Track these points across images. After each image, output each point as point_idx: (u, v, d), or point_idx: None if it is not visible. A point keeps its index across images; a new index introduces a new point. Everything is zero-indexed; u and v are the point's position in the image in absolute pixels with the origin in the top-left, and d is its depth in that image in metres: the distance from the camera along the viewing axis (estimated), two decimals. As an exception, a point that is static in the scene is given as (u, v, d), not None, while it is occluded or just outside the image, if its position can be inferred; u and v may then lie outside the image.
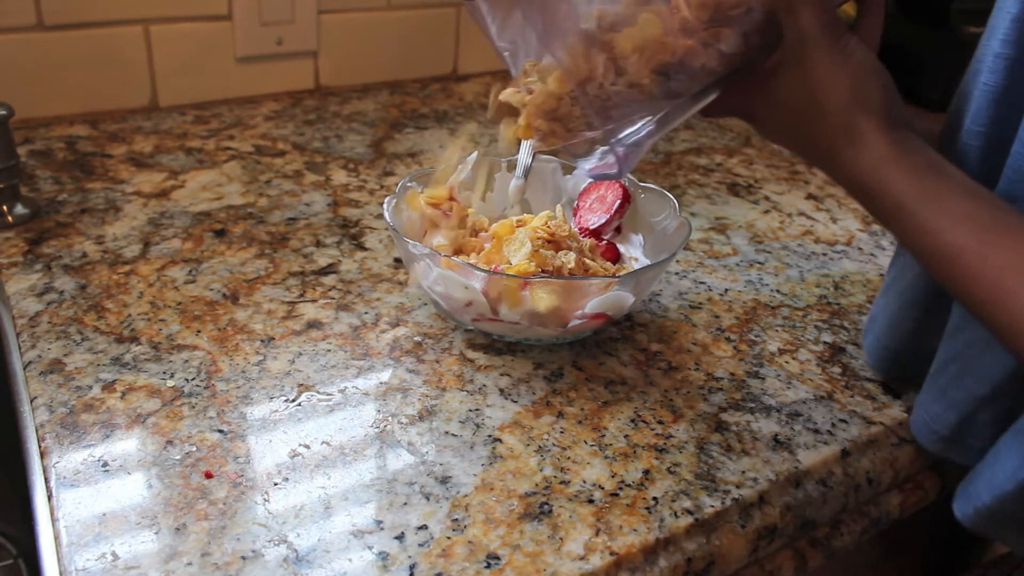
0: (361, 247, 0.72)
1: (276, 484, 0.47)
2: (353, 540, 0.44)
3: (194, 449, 0.49)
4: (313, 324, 0.61)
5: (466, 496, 0.47)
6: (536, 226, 0.60)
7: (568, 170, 0.71)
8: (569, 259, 0.58)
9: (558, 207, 0.66)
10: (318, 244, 0.72)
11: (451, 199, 0.63)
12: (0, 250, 0.67)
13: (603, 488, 0.49)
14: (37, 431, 0.49)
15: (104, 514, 0.44)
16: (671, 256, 0.58)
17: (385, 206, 0.60)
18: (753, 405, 0.57)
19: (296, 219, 0.76)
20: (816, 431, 0.56)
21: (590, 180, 0.69)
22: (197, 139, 0.91)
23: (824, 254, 0.79)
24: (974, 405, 0.50)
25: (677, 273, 0.73)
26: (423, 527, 0.45)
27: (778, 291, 0.72)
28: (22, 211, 0.71)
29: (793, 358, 0.63)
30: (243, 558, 0.43)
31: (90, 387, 0.53)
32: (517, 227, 0.60)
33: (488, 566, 0.43)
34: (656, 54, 0.44)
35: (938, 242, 0.41)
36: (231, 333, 0.59)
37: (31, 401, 0.52)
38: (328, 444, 0.50)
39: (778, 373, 0.61)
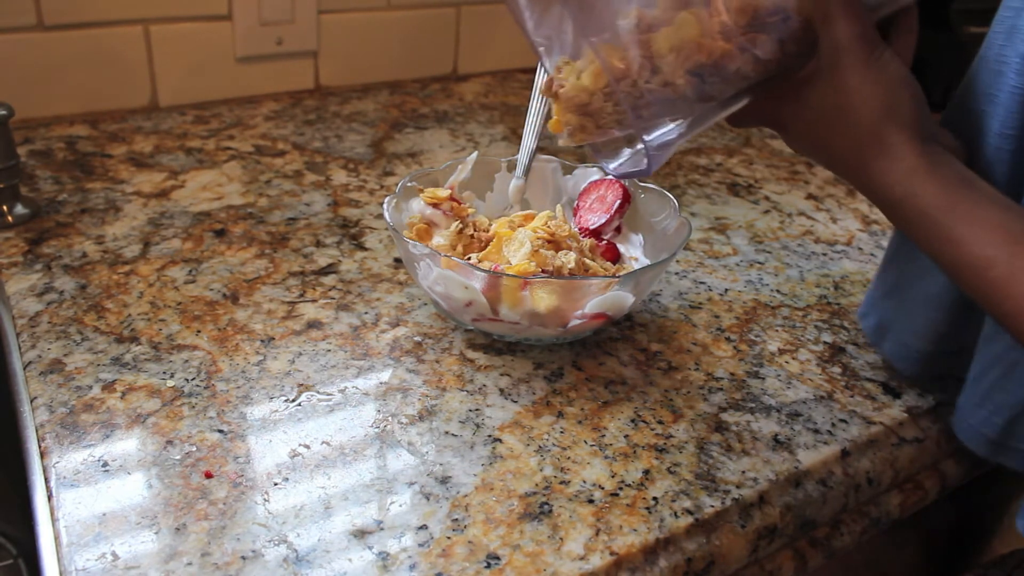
0: (361, 247, 0.72)
1: (276, 484, 0.47)
2: (353, 540, 0.44)
3: (194, 449, 0.49)
4: (313, 324, 0.61)
5: (466, 496, 0.47)
6: (536, 226, 0.60)
7: (568, 170, 0.71)
8: (569, 259, 0.58)
9: (558, 207, 0.66)
10: (318, 244, 0.72)
11: (451, 199, 0.63)
12: (0, 250, 0.67)
13: (603, 488, 0.49)
14: (37, 431, 0.49)
15: (104, 514, 0.44)
16: (671, 256, 0.58)
17: (385, 206, 0.60)
18: (753, 405, 0.57)
19: (296, 219, 0.76)
20: (816, 431, 0.56)
21: (590, 180, 0.69)
22: (197, 139, 0.91)
23: (824, 254, 0.79)
24: (1020, 408, 0.50)
25: (677, 273, 0.73)
26: (423, 527, 0.45)
27: (778, 291, 0.72)
28: (22, 211, 0.71)
29: (793, 358, 0.63)
30: (243, 558, 0.43)
31: (90, 387, 0.53)
32: (526, 222, 0.61)
33: (488, 566, 0.43)
34: (692, 55, 0.44)
35: (967, 254, 0.41)
36: (231, 333, 0.59)
37: (31, 401, 0.52)
38: (328, 444, 0.50)
39: (778, 373, 0.61)
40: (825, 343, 0.65)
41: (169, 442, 0.49)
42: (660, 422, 0.55)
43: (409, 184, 0.64)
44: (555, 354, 0.60)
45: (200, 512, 0.45)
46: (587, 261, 0.60)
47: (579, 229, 0.67)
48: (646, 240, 0.67)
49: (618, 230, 0.68)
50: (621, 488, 0.49)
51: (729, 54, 0.44)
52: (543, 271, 0.56)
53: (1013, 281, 0.40)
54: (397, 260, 0.70)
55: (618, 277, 0.56)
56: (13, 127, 0.72)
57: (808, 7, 0.43)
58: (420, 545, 0.44)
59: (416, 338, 0.61)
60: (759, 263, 0.76)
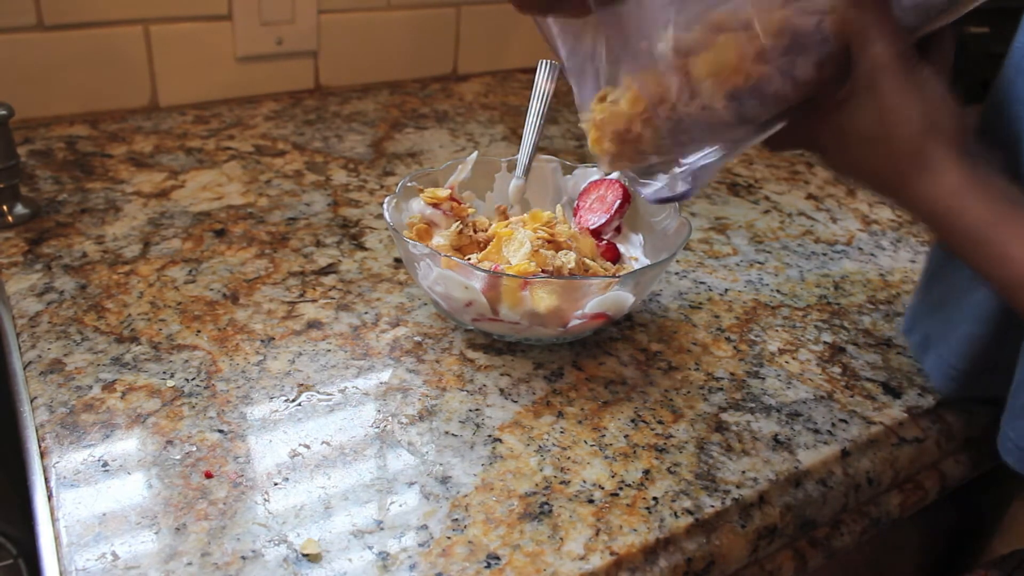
0: (361, 247, 0.72)
1: (276, 484, 0.47)
2: (353, 540, 0.44)
3: (194, 449, 0.49)
4: (313, 324, 0.61)
5: (466, 496, 0.47)
6: (536, 226, 0.60)
7: (568, 170, 0.71)
8: (569, 259, 0.58)
9: (558, 207, 0.66)
10: (318, 244, 0.72)
11: (451, 199, 0.63)
12: (0, 250, 0.67)
13: (603, 488, 0.49)
14: (37, 431, 0.49)
15: (104, 514, 0.44)
16: (671, 256, 0.58)
17: (385, 206, 0.61)
18: (753, 405, 0.57)
19: (296, 219, 0.76)
20: (816, 431, 0.56)
21: (590, 180, 0.69)
22: (197, 139, 0.91)
23: (824, 254, 0.79)
24: None
25: (677, 273, 0.73)
26: (423, 527, 0.45)
27: (778, 291, 0.72)
28: (22, 211, 0.71)
29: (793, 358, 0.63)
30: (243, 558, 0.43)
31: (90, 387, 0.53)
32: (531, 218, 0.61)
33: (488, 566, 0.43)
34: (730, 78, 0.44)
35: (1015, 270, 0.40)
36: (231, 333, 0.59)
37: (31, 401, 0.52)
38: (328, 444, 0.50)
39: (778, 373, 0.61)
40: (825, 343, 0.65)
41: (169, 442, 0.49)
42: (660, 422, 0.55)
43: (409, 184, 0.64)
44: (555, 354, 0.60)
45: (200, 512, 0.45)
46: (587, 261, 0.60)
47: (579, 229, 0.67)
48: (646, 240, 0.67)
49: (618, 230, 0.68)
50: (621, 488, 0.49)
51: (767, 77, 0.44)
52: (543, 271, 0.56)
53: None
54: (397, 260, 0.70)
55: (618, 277, 0.56)
56: (13, 127, 0.72)
57: (846, 28, 0.43)
58: (420, 545, 0.44)
59: (416, 338, 0.61)
60: (759, 263, 0.76)
